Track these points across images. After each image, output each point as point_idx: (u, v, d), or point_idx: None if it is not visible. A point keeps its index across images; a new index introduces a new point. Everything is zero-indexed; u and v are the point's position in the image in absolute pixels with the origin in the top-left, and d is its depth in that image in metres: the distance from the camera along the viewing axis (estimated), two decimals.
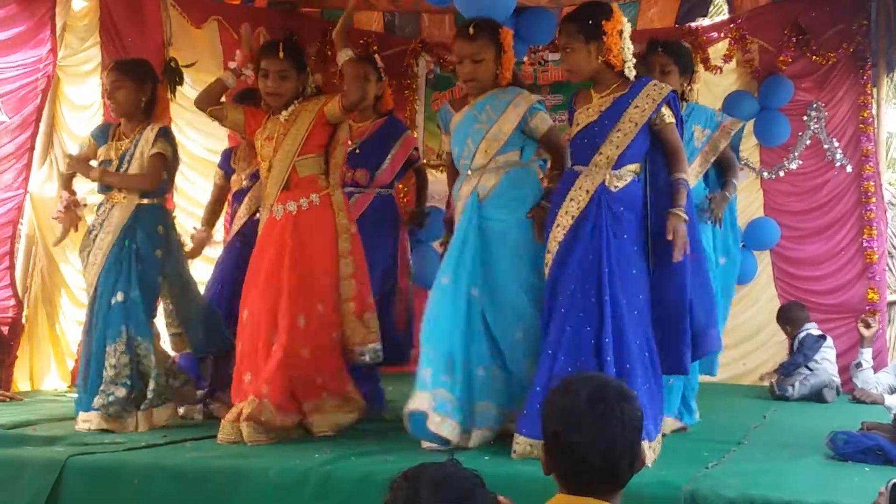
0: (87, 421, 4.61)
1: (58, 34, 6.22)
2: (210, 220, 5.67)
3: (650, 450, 3.82)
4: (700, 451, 4.14)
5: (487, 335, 4.25)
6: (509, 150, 4.38)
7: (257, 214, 5.10)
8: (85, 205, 5.04)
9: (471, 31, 4.42)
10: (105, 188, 4.84)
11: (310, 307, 4.47)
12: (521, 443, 3.89)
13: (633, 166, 4.06)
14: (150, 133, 4.80)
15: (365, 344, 4.62)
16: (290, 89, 4.58)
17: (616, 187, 4.01)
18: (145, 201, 4.80)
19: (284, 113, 4.59)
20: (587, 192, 4.01)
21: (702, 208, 4.76)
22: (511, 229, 4.32)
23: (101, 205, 4.87)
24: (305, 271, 4.48)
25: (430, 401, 4.07)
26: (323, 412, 4.49)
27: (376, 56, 5.68)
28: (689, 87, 4.93)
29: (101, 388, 4.60)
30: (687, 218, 3.97)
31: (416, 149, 5.64)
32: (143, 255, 4.75)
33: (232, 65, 4.71)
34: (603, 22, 3.99)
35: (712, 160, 4.90)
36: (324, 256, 4.55)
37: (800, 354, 6.50)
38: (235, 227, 5.43)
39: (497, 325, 4.25)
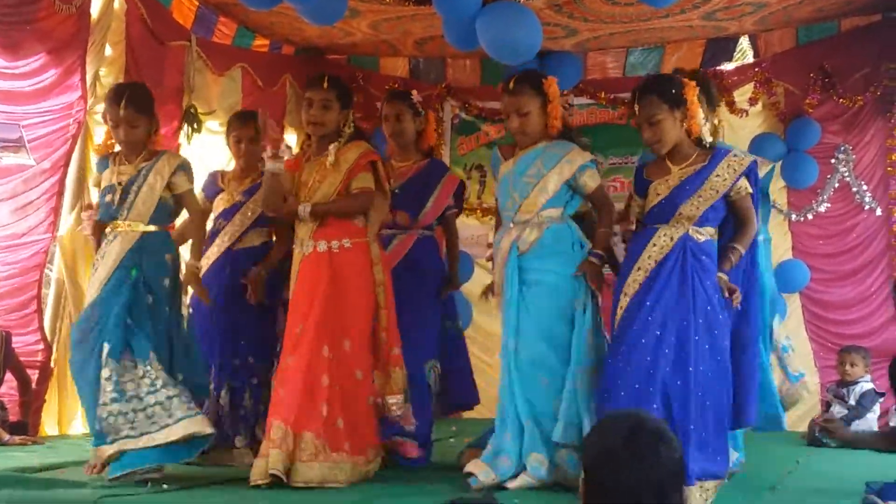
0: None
1: (88, 82, 6.25)
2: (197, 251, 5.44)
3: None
4: (733, 496, 4.08)
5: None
6: (554, 206, 4.36)
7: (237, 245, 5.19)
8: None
9: (511, 85, 4.41)
10: (111, 216, 4.55)
11: (336, 341, 4.38)
12: None
13: (712, 230, 4.13)
14: (164, 166, 4.57)
15: (398, 394, 4.53)
16: (332, 120, 4.59)
17: (699, 239, 4.07)
18: (151, 229, 4.54)
19: (322, 157, 4.58)
20: (671, 238, 4.08)
21: None
22: (548, 277, 4.30)
23: (104, 235, 4.59)
24: (336, 306, 4.40)
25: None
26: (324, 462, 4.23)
27: (413, 92, 5.43)
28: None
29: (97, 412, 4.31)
30: (726, 278, 4.07)
31: (456, 195, 5.35)
32: (152, 286, 4.49)
33: (267, 154, 4.50)
34: (684, 89, 4.07)
35: None
36: (359, 298, 4.47)
37: (862, 408, 6.44)
38: (217, 251, 5.23)
39: (521, 372, 4.26)
